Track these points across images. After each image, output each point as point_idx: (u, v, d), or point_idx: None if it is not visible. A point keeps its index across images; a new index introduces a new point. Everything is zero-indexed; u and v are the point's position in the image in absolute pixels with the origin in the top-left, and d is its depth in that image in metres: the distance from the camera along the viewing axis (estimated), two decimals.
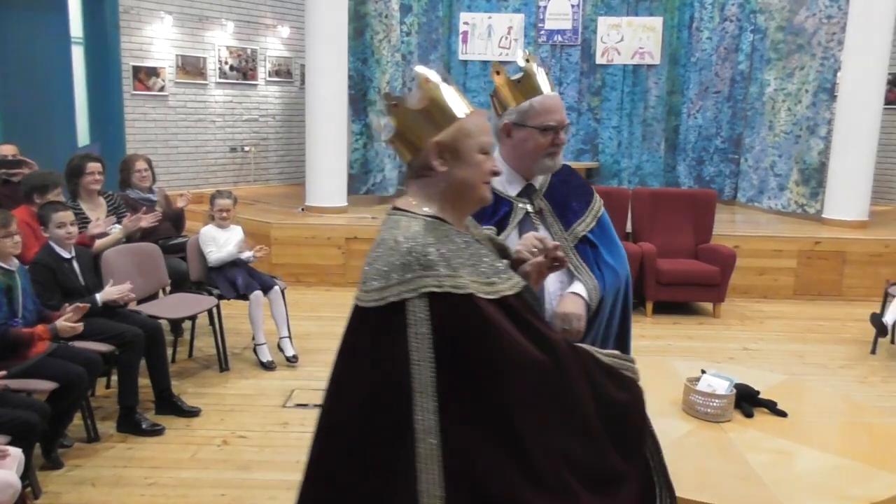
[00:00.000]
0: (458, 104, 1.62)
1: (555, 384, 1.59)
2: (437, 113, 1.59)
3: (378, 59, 8.10)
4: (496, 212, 2.20)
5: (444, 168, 1.59)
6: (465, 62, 9.30)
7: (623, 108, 9.38)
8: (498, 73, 2.12)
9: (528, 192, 2.30)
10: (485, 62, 9.25)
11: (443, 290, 1.48)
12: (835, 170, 7.56)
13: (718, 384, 3.24)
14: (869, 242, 6.96)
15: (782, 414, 3.23)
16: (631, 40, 9.18)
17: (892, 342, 5.51)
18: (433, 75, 1.61)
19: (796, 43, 8.21)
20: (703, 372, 3.34)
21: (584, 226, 2.32)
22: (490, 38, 9.20)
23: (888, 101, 8.00)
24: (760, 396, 3.30)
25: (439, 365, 1.48)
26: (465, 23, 9.19)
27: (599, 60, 9.27)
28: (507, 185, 2.27)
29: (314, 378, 4.57)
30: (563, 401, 1.61)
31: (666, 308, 6.29)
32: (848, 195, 7.49)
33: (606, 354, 1.82)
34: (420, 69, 1.63)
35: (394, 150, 1.67)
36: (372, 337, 1.54)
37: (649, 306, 6.22)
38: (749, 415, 3.23)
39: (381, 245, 1.56)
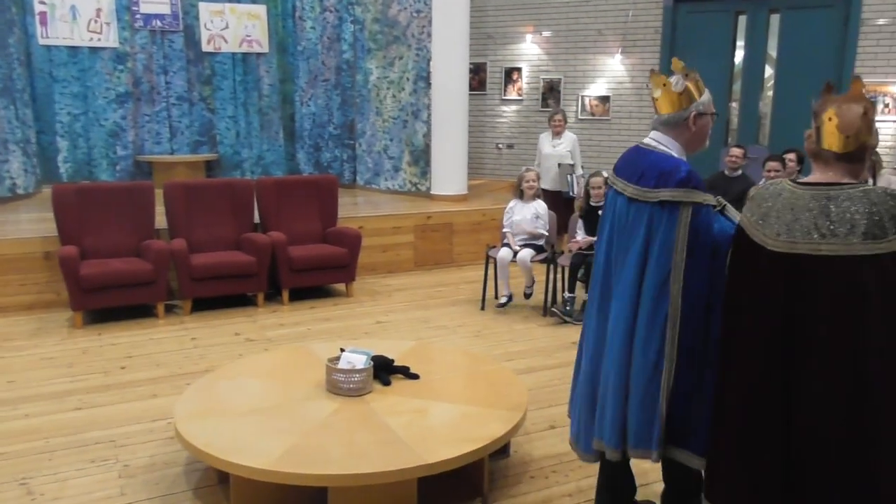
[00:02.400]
0: None
1: None
2: (874, 123, 2.13)
3: None
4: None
5: (869, 162, 2.19)
6: (48, 47, 8.16)
7: (237, 98, 9.18)
8: (687, 75, 2.46)
9: None
10: (73, 48, 8.23)
11: None
12: (436, 150, 8.41)
13: (357, 359, 3.35)
14: (470, 213, 7.88)
15: (415, 377, 3.47)
16: (237, 28, 8.99)
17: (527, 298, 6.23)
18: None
19: (392, 34, 8.86)
20: (343, 350, 3.43)
21: None
22: (76, 20, 8.20)
23: (472, 88, 9.12)
24: (395, 364, 3.51)
25: None
26: (42, 2, 8.05)
27: (206, 48, 8.91)
28: None
29: None
30: None
31: (301, 294, 6.34)
32: (449, 172, 8.39)
33: None
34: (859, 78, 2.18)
35: (842, 139, 2.08)
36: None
37: (285, 294, 6.20)
38: (387, 383, 3.40)
39: (876, 203, 1.98)
